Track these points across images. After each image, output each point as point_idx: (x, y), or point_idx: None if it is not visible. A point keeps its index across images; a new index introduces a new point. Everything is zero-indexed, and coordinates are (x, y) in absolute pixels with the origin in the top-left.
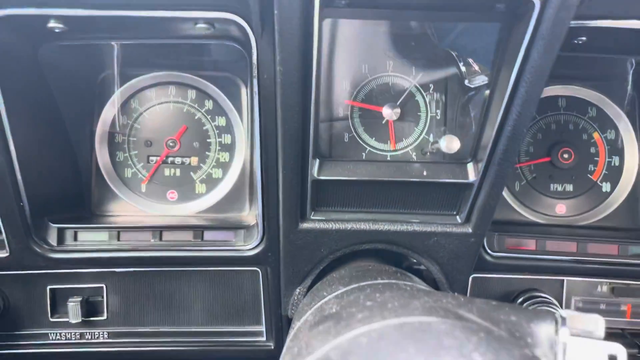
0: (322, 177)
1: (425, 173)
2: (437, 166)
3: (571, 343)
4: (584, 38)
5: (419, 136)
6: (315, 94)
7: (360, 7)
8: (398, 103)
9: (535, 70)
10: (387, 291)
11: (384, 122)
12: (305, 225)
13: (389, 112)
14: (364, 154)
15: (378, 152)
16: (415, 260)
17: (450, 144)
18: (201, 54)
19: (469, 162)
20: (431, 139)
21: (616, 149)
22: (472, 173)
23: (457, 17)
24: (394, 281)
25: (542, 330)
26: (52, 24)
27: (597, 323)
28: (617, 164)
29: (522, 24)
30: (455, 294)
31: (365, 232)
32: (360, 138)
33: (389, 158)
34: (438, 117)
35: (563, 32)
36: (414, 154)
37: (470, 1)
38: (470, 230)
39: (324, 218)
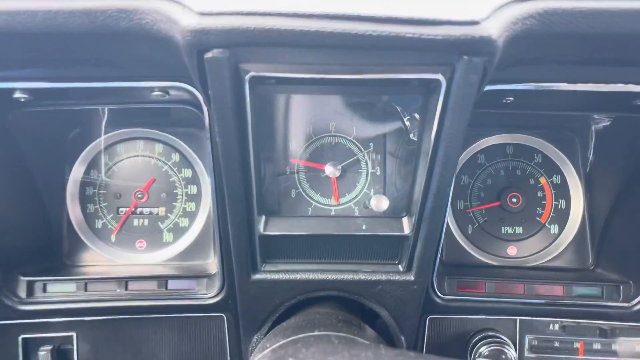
0: (268, 233)
1: (364, 227)
2: (376, 221)
3: None
4: (511, 98)
5: (360, 191)
6: (255, 161)
7: (289, 84)
8: (340, 163)
9: (449, 136)
10: (313, 346)
11: (327, 178)
12: (257, 276)
13: (331, 170)
14: (309, 208)
15: (323, 206)
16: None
17: (379, 203)
18: (165, 113)
19: (404, 217)
20: (372, 193)
21: (562, 192)
22: (406, 226)
23: (381, 91)
24: (328, 333)
25: None
26: (17, 94)
27: None
28: (563, 207)
29: (434, 97)
30: (381, 346)
31: (315, 281)
32: (306, 194)
33: (333, 212)
34: (378, 173)
35: (469, 105)
36: (356, 208)
37: (388, 79)
38: (412, 278)
39: (274, 269)
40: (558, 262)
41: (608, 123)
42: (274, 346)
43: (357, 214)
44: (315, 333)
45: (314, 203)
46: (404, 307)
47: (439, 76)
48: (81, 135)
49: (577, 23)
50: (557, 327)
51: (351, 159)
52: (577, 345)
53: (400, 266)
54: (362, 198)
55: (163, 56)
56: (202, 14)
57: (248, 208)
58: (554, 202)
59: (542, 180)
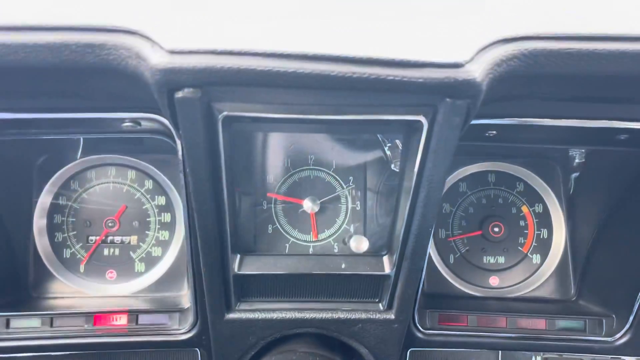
0: (243, 272)
1: (343, 266)
2: (355, 259)
3: None
4: (494, 132)
5: (339, 227)
6: (229, 199)
7: (265, 122)
8: (319, 197)
9: (431, 177)
10: None
11: (305, 213)
12: (232, 315)
13: (309, 205)
14: (287, 245)
15: (301, 243)
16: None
17: (359, 244)
18: (137, 141)
19: (384, 255)
20: (352, 229)
21: (544, 222)
22: (387, 265)
23: (362, 130)
24: None
25: None
26: None
27: None
28: (545, 236)
29: (416, 137)
30: None
31: (291, 320)
32: (284, 229)
33: (311, 249)
34: (358, 209)
35: (452, 146)
36: (336, 244)
37: (369, 120)
38: (393, 316)
39: (249, 308)
40: (540, 292)
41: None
42: None
43: (336, 250)
44: None
45: (292, 239)
46: (385, 345)
47: (421, 118)
48: (50, 161)
49: (563, 64)
50: (539, 359)
51: (331, 195)
52: None
53: (380, 305)
54: (342, 234)
55: (132, 90)
56: (173, 52)
57: (222, 246)
58: (535, 232)
59: (524, 209)
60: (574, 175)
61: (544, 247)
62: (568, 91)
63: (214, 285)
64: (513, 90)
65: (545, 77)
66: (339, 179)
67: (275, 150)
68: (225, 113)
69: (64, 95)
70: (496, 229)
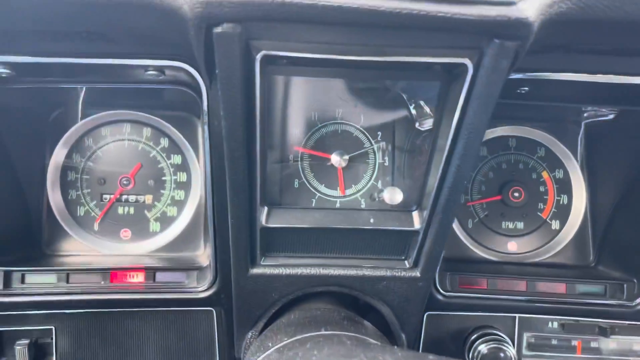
0: (270, 225)
1: (372, 221)
2: (384, 214)
3: None
4: (526, 88)
5: (367, 183)
6: (261, 147)
7: (302, 65)
8: (347, 152)
9: (471, 126)
10: (325, 347)
11: (332, 168)
12: (255, 270)
13: (337, 160)
14: (313, 200)
15: (328, 198)
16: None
17: (393, 196)
18: (156, 95)
19: (414, 210)
20: (380, 185)
21: (564, 187)
22: (417, 221)
23: (398, 75)
24: (337, 333)
25: None
26: None
27: None
28: (565, 202)
29: (458, 84)
30: (395, 348)
31: (315, 276)
32: (310, 184)
33: (338, 204)
34: (386, 164)
35: (496, 93)
36: (363, 200)
37: (410, 63)
38: (418, 274)
39: (274, 263)
40: (558, 258)
41: (609, 122)
42: (277, 345)
43: (363, 206)
44: (323, 332)
45: (318, 194)
46: (408, 304)
47: (466, 61)
48: (63, 116)
49: (613, 9)
50: (555, 324)
51: (359, 149)
52: (574, 343)
53: (406, 262)
54: (370, 190)
55: (164, 30)
56: None
57: (250, 199)
58: (555, 198)
59: (545, 174)
60: (598, 138)
61: (563, 212)
62: (613, 41)
63: (241, 239)
64: (557, 38)
65: (593, 24)
66: (367, 134)
67: (302, 102)
68: (263, 52)
69: (89, 37)
70: (516, 194)
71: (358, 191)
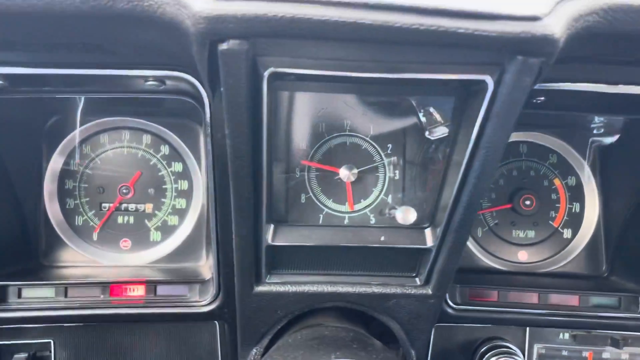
0: (276, 244)
1: (382, 238)
2: (395, 231)
3: None
4: (542, 98)
5: (377, 198)
6: (267, 164)
7: (310, 81)
8: (356, 165)
9: (489, 143)
10: None
11: (340, 182)
12: (261, 288)
13: (346, 174)
14: (321, 215)
15: (335, 213)
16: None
17: (406, 216)
18: (156, 102)
19: (426, 227)
20: (390, 200)
21: (577, 195)
22: (429, 238)
23: (410, 91)
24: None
25: None
26: None
27: None
28: (577, 210)
29: (476, 100)
30: None
31: (323, 294)
32: (317, 199)
33: (346, 220)
34: (396, 178)
35: (517, 110)
36: (372, 215)
37: (426, 80)
38: (430, 291)
39: (279, 281)
40: (570, 268)
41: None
42: None
43: (373, 222)
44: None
45: (326, 209)
46: (417, 321)
47: (486, 77)
48: (60, 123)
49: None
50: (567, 336)
51: (369, 163)
52: (585, 354)
53: (417, 279)
54: (379, 205)
55: (165, 44)
56: None
57: (256, 215)
58: (567, 205)
59: (557, 182)
60: (611, 147)
61: (575, 221)
62: (638, 53)
63: (245, 257)
64: (582, 50)
65: (620, 36)
66: (376, 146)
67: (311, 114)
68: (271, 69)
69: (85, 48)
70: (527, 202)
71: (367, 206)
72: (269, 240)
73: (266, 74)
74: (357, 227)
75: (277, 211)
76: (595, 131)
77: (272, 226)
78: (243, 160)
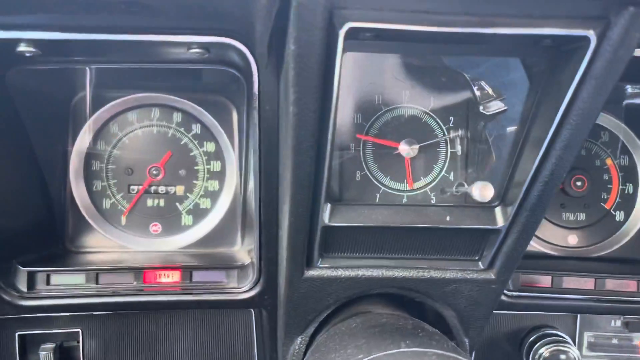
0: (333, 224)
1: (448, 219)
2: (461, 210)
3: None
4: None
5: (438, 175)
6: (332, 135)
7: (387, 40)
8: (417, 140)
9: (582, 112)
10: None
11: (398, 159)
12: (312, 272)
13: (406, 149)
14: (377, 194)
15: (393, 192)
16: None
17: (484, 192)
18: (189, 76)
19: (496, 206)
20: (452, 177)
21: (630, 175)
22: (500, 218)
23: (493, 51)
24: (422, 350)
25: None
26: (22, 47)
27: None
28: (630, 191)
29: (571, 62)
30: None
31: (377, 279)
32: (374, 176)
33: (405, 199)
34: (459, 153)
35: (619, 72)
36: (433, 194)
37: (513, 36)
38: (493, 276)
39: (332, 265)
40: (622, 252)
41: None
42: None
43: (433, 201)
44: (405, 350)
45: (383, 188)
46: (476, 309)
47: (589, 33)
48: (86, 100)
49: None
50: (619, 323)
51: (429, 137)
52: (636, 342)
53: (480, 263)
54: (440, 183)
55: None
56: None
57: (315, 194)
58: (620, 186)
59: (609, 161)
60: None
61: (628, 203)
62: None
63: (299, 239)
64: None
65: None
66: (437, 119)
67: (369, 82)
68: (349, 24)
69: (128, 7)
70: (578, 183)
71: (427, 184)
72: (326, 221)
73: (343, 30)
74: (418, 206)
75: (332, 189)
76: None
77: (329, 205)
78: (308, 131)
